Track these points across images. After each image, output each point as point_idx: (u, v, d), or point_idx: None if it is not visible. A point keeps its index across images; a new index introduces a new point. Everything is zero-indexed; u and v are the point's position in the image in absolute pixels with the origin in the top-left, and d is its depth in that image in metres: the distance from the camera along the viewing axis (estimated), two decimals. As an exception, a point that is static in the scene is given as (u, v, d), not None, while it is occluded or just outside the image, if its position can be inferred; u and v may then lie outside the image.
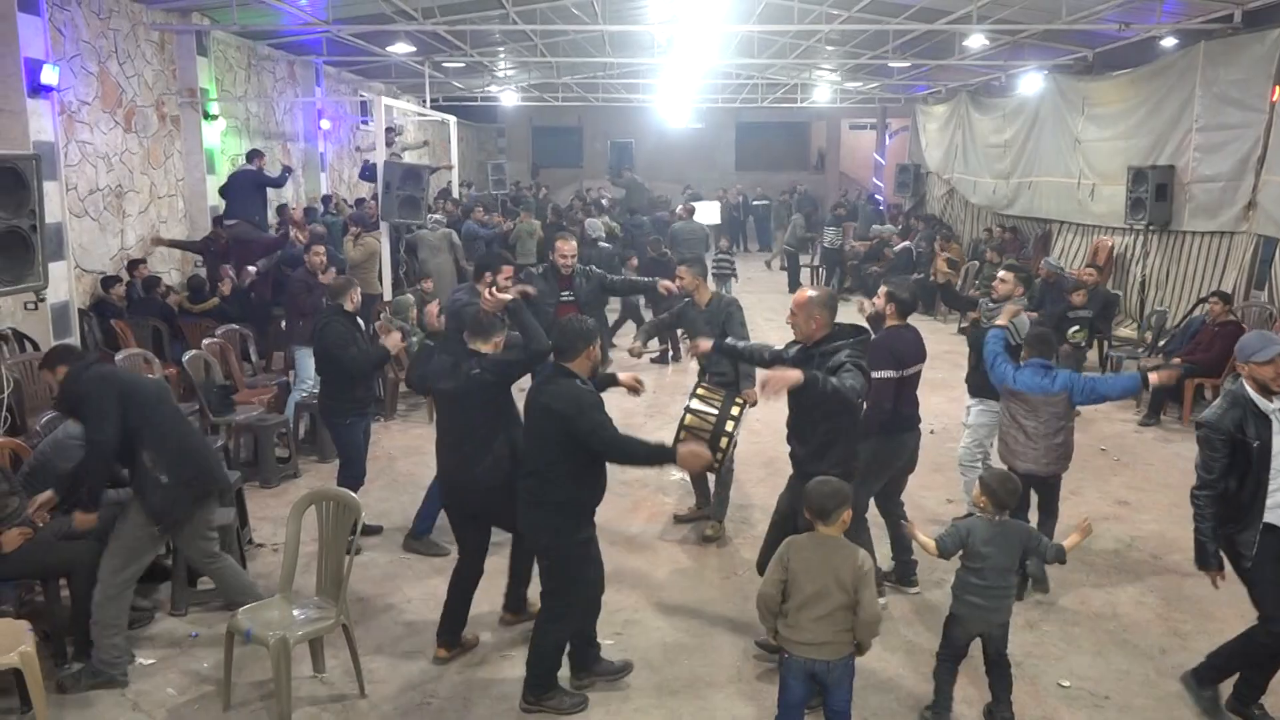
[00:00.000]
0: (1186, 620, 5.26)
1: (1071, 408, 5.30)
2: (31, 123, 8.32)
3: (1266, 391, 4.00)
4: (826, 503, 3.74)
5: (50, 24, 9.13)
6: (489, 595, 5.12)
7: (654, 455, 4.20)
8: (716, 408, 5.17)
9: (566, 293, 6.85)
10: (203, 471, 4.61)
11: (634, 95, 23.56)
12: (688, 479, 6.83)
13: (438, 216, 12.72)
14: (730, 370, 5.94)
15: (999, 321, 5.82)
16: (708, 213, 17.20)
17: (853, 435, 4.48)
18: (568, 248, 6.89)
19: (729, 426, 5.05)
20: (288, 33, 13.82)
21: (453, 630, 4.89)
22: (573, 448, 4.09)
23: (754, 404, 5.68)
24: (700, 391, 5.42)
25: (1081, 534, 4.19)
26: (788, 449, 4.71)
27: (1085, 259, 13.58)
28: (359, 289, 6.46)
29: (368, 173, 14.78)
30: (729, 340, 5.25)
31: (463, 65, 17.75)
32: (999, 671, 4.26)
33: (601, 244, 12.80)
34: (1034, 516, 5.44)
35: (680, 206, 15.33)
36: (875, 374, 4.81)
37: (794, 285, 17.21)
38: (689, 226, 13.58)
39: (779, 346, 4.87)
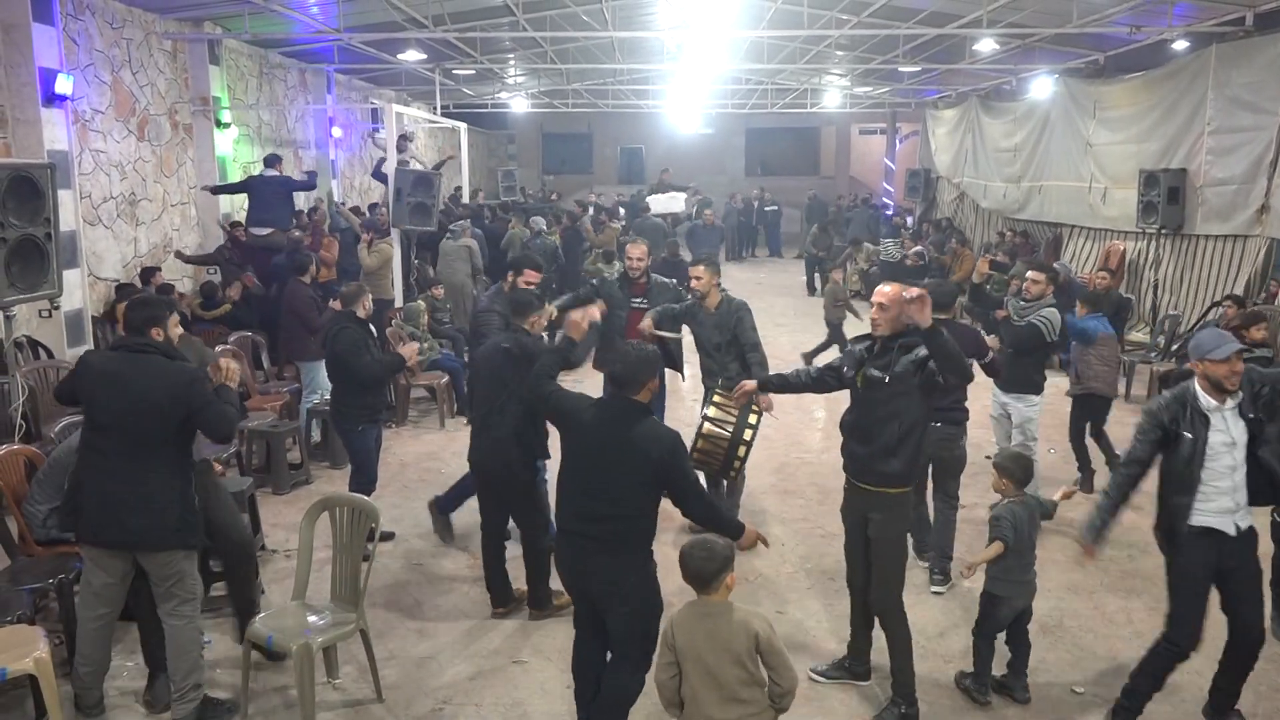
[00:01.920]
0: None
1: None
2: (46, 132, 8.40)
3: (1220, 390, 3.98)
4: (704, 567, 3.28)
5: (64, 33, 9.19)
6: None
7: (727, 526, 3.95)
8: (733, 416, 5.16)
9: (639, 299, 6.70)
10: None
11: (644, 101, 23.63)
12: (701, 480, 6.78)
13: (463, 223, 12.57)
14: (741, 372, 5.89)
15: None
16: (669, 203, 17.12)
17: (922, 434, 4.33)
18: (637, 251, 6.74)
19: (747, 435, 5.03)
20: (299, 41, 13.90)
21: (500, 590, 5.34)
22: (658, 491, 3.80)
23: (769, 409, 5.67)
24: (716, 399, 5.41)
25: (1065, 495, 4.71)
26: (839, 454, 4.58)
27: (1096, 263, 13.53)
28: (370, 296, 6.44)
29: (380, 174, 14.61)
30: (775, 375, 5.13)
31: (473, 72, 17.80)
32: (1024, 641, 4.54)
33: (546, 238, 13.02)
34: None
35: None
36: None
37: (811, 289, 17.39)
38: (646, 222, 13.93)
39: (819, 364, 4.80)
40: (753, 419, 5.07)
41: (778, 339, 12.53)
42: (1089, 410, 7.22)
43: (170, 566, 4.04)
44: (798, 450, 8.36)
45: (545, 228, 13.15)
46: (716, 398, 5.40)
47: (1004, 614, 4.46)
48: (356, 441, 6.18)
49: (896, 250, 16.45)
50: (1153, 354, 10.98)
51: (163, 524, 3.96)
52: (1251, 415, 4.00)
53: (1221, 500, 3.99)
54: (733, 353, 6.07)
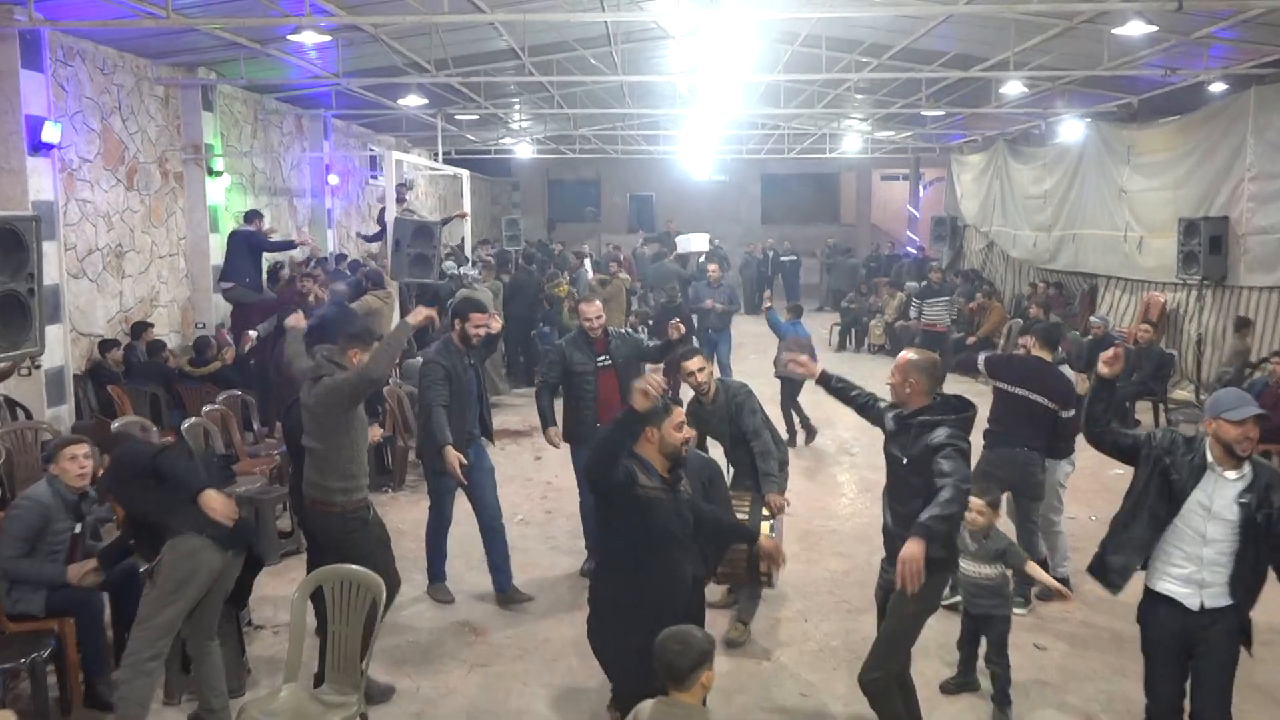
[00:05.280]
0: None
1: None
2: (31, 181, 8.46)
3: (1230, 455, 3.87)
4: (679, 661, 3.15)
5: (53, 80, 9.33)
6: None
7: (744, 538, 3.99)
8: (745, 516, 5.11)
9: (603, 357, 6.64)
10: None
11: (654, 147, 23.82)
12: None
13: (474, 273, 12.55)
14: (745, 458, 5.85)
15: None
16: (696, 242, 17.33)
17: (963, 503, 4.30)
18: (591, 309, 6.68)
19: (766, 532, 4.96)
20: (296, 86, 14.08)
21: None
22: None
23: (781, 510, 5.63)
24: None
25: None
26: (880, 517, 4.56)
27: (1136, 316, 13.47)
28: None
29: (372, 236, 15.18)
30: (838, 376, 4.95)
31: (476, 118, 17.99)
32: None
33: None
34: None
35: (643, 243, 15.47)
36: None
37: (843, 345, 17.34)
38: (665, 268, 13.82)
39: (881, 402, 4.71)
40: (767, 528, 5.03)
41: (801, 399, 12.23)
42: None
43: None
44: (821, 518, 8.26)
45: (478, 276, 13.04)
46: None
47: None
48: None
49: (947, 313, 14.29)
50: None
51: None
52: (1257, 514, 3.85)
53: (1183, 567, 3.94)
54: (744, 443, 5.94)
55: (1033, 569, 5.12)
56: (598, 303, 6.83)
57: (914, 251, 23.68)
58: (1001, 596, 5.10)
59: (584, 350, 6.59)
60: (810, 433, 10.48)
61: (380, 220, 15.05)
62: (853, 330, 17.85)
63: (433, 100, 15.40)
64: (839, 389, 4.87)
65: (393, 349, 4.98)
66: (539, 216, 30.00)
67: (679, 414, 4.16)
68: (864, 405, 4.71)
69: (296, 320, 5.70)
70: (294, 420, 5.56)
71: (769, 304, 10.59)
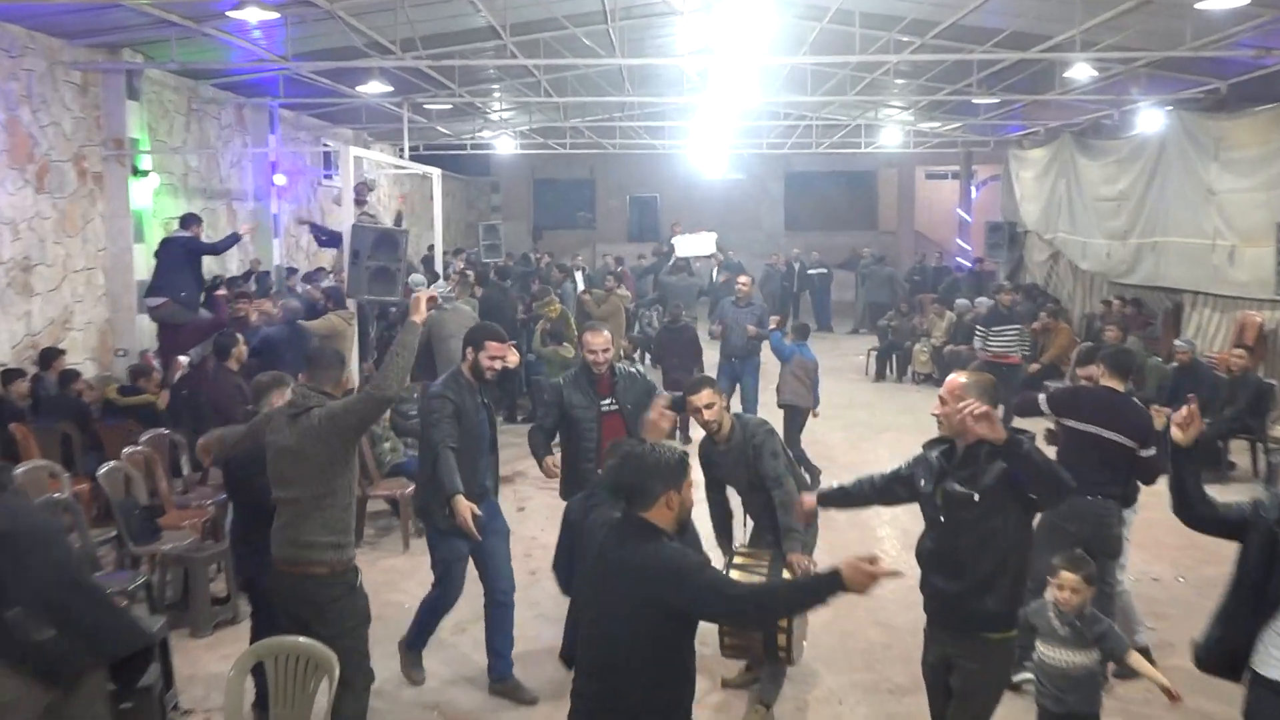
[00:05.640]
0: None
1: None
2: (-76, 185, 8.47)
3: None
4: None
5: (-49, 65, 9.36)
6: None
7: (814, 591, 3.68)
8: (763, 577, 5.10)
9: (608, 400, 6.54)
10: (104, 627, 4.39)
11: (658, 141, 23.62)
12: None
13: (449, 292, 12.43)
14: (765, 508, 5.79)
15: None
16: (698, 244, 17.24)
17: (1024, 560, 4.35)
18: (598, 340, 6.56)
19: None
20: (237, 71, 14.05)
21: None
22: (666, 633, 3.65)
23: (807, 573, 5.55)
24: (738, 560, 5.36)
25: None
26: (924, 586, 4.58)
27: (1228, 339, 13.40)
28: (290, 388, 5.64)
29: (325, 236, 14.97)
30: (834, 488, 5.05)
31: (449, 107, 17.91)
32: None
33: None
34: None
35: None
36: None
37: (881, 374, 17.14)
38: (681, 283, 13.86)
39: (887, 470, 4.76)
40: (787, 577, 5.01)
41: (828, 438, 12.23)
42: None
43: None
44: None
45: (452, 294, 12.82)
46: (738, 559, 5.30)
47: None
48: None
49: (1020, 343, 13.65)
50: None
51: None
52: None
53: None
54: (762, 490, 5.85)
55: (1136, 661, 4.96)
56: (606, 333, 6.73)
57: (966, 263, 23.53)
58: (1093, 690, 4.91)
59: (585, 391, 6.50)
60: (813, 474, 10.29)
61: (316, 230, 15.14)
62: (893, 356, 17.73)
63: (398, 87, 15.31)
64: (841, 497, 4.91)
65: (405, 358, 4.86)
66: (522, 222, 30.09)
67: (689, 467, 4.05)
68: (882, 489, 4.72)
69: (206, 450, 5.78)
70: (242, 465, 5.47)
71: (775, 326, 10.86)
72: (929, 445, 4.51)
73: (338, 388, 5.21)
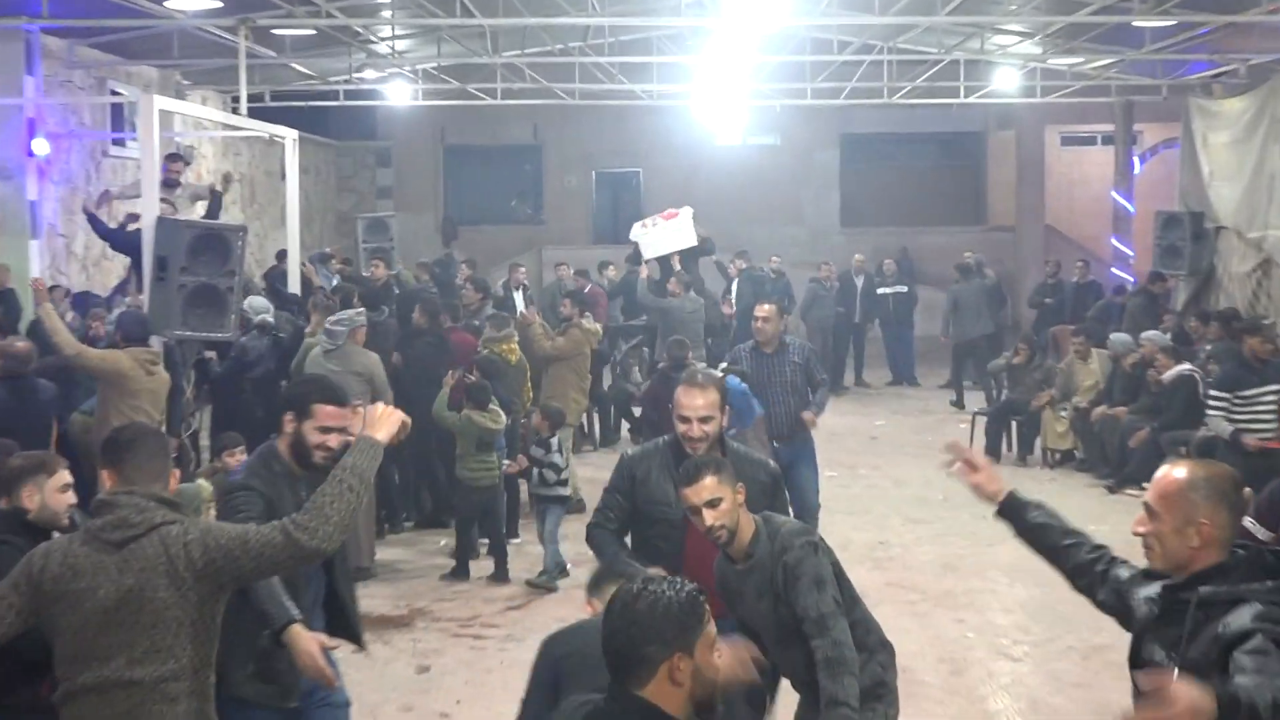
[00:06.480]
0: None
1: None
2: None
3: None
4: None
5: None
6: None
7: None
8: None
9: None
10: None
11: (642, 87, 19.45)
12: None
13: (342, 319, 10.53)
14: (801, 664, 4.96)
15: None
16: (667, 238, 14.95)
17: None
18: (696, 402, 5.58)
19: None
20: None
21: None
22: None
23: None
24: None
25: None
26: None
27: None
28: (58, 474, 5.39)
29: (115, 236, 12.64)
30: (1037, 507, 4.46)
31: (311, 33, 15.56)
32: None
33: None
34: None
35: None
36: None
37: (995, 450, 14.21)
38: (683, 310, 13.24)
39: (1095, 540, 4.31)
40: None
41: (911, 555, 10.38)
42: None
43: None
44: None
45: (271, 320, 11.24)
46: None
47: None
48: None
49: None
50: None
51: None
52: None
53: None
54: (801, 638, 4.98)
55: None
56: (711, 391, 5.71)
57: (1127, 276, 20.26)
58: None
59: (673, 473, 5.54)
60: None
61: (99, 225, 12.62)
62: (1013, 424, 14.35)
63: (231, 3, 13.19)
64: (1037, 529, 4.31)
65: (355, 496, 4.23)
66: (426, 214, 24.46)
67: (710, 614, 3.36)
68: (1082, 565, 4.18)
69: None
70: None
71: (724, 372, 8.96)
72: (1144, 576, 4.00)
73: (170, 488, 4.57)
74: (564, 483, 9.39)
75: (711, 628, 3.29)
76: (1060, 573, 4.32)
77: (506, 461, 9.63)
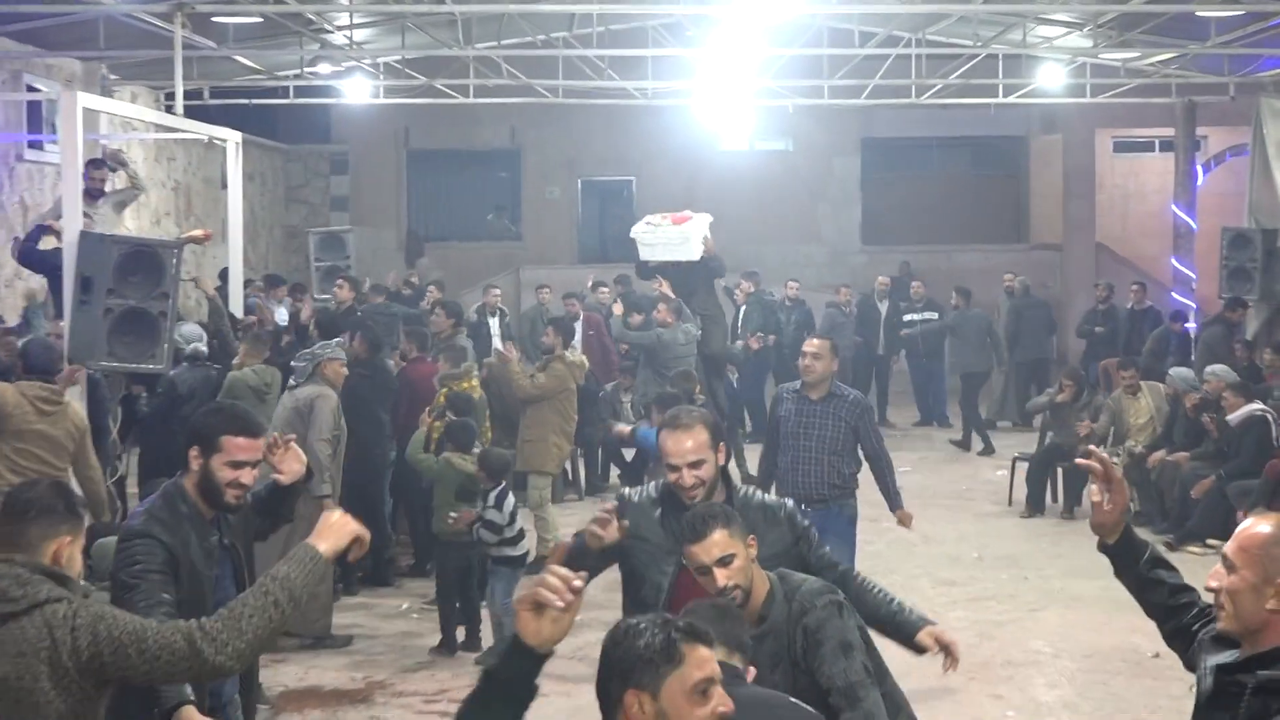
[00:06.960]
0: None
1: None
2: None
3: None
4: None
5: None
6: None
7: None
8: None
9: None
10: None
11: (636, 84, 18.21)
12: None
13: (305, 354, 10.38)
14: None
15: None
16: (672, 245, 13.62)
17: None
18: (682, 445, 5.12)
19: None
20: None
21: None
22: None
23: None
24: None
25: None
26: None
27: None
28: None
29: (29, 253, 12.00)
30: (1138, 538, 4.27)
31: (257, 21, 14.84)
32: None
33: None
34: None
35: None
36: None
37: (1039, 503, 13.42)
38: (680, 335, 12.32)
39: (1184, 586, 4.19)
40: None
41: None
42: None
43: None
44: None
45: (204, 349, 10.94)
46: None
47: None
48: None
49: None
50: None
51: None
52: None
53: None
54: (825, 712, 4.58)
55: None
56: (702, 432, 5.17)
57: (1189, 302, 19.34)
58: None
59: (666, 527, 5.25)
60: None
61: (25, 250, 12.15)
62: (1058, 471, 13.28)
63: None
64: (1147, 584, 4.11)
65: (279, 612, 3.95)
66: (388, 229, 23.42)
67: (703, 658, 3.19)
68: (1174, 608, 4.08)
69: None
70: None
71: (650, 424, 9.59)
72: (1216, 641, 3.85)
73: (53, 556, 4.14)
74: (511, 541, 8.53)
75: (697, 675, 3.15)
76: (1157, 619, 4.21)
77: (453, 515, 8.77)
